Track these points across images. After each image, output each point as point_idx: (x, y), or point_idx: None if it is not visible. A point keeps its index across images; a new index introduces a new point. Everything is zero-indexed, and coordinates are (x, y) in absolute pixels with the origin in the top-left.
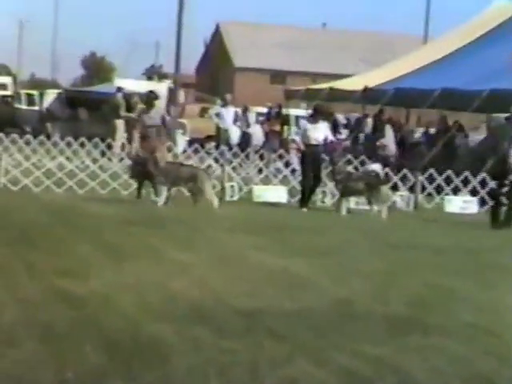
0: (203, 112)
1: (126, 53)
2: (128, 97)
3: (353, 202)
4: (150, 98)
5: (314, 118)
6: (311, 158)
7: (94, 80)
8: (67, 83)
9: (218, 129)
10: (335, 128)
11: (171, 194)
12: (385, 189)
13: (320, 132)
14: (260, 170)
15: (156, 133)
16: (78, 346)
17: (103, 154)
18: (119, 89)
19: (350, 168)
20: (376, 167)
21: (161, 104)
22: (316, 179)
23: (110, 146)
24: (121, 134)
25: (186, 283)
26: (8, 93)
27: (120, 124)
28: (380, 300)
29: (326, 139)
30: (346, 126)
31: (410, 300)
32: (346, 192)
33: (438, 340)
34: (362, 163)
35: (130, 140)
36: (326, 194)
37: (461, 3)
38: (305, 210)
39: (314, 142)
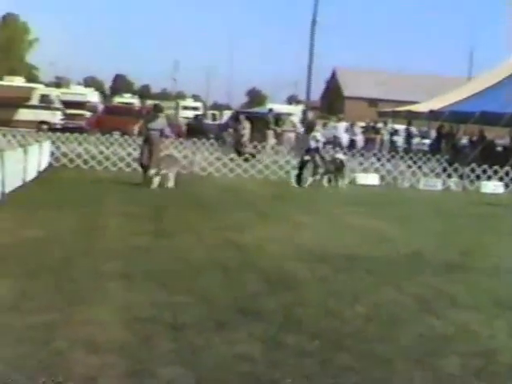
0: (324, 125)
1: (274, 86)
2: (275, 115)
3: (423, 181)
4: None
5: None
6: None
7: (253, 104)
8: (236, 106)
9: (334, 136)
10: (410, 136)
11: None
12: (345, 170)
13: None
14: (361, 163)
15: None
16: (242, 276)
17: (258, 152)
18: (270, 110)
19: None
20: (340, 156)
21: (296, 120)
22: None
23: (263, 147)
24: (270, 140)
25: (311, 237)
26: (199, 113)
27: (270, 133)
28: (439, 250)
29: None
30: (416, 135)
31: (460, 250)
32: (325, 171)
33: (474, 276)
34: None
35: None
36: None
37: (490, 53)
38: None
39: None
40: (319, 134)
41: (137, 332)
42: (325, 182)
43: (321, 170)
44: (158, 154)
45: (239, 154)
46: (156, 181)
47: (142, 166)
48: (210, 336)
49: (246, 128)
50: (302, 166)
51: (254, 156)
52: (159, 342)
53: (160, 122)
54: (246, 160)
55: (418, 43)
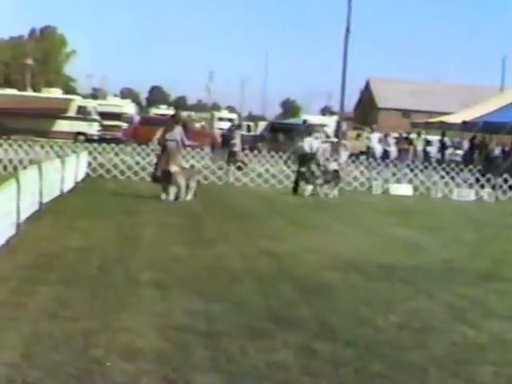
0: (358, 136)
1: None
2: (309, 126)
3: (456, 192)
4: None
5: None
6: None
7: (288, 115)
8: (271, 117)
9: (368, 147)
10: (444, 146)
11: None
12: (339, 180)
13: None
14: (394, 174)
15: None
16: (278, 284)
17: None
18: (304, 121)
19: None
20: (334, 166)
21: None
22: None
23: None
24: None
25: (345, 246)
26: (235, 124)
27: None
28: (472, 259)
29: None
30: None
31: (493, 259)
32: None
33: (507, 285)
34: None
35: None
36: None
37: None
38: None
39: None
40: (317, 141)
41: (172, 340)
42: (322, 191)
43: (319, 181)
44: (176, 164)
45: (231, 162)
46: (172, 192)
47: (154, 177)
48: (244, 344)
49: (236, 138)
50: (299, 177)
51: (245, 164)
52: (194, 349)
53: (177, 132)
54: (239, 168)
55: (452, 53)
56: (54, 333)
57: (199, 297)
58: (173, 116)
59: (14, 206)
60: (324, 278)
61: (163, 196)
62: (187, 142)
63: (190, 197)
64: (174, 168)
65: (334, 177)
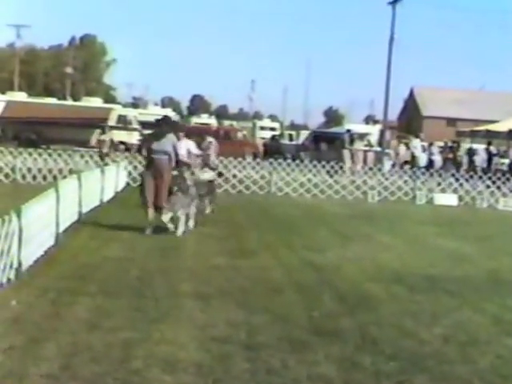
0: (406, 145)
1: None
2: (352, 135)
3: (502, 202)
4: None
5: None
6: None
7: (331, 124)
8: (314, 126)
9: (413, 156)
10: (490, 155)
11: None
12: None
13: None
14: (439, 183)
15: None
16: (320, 296)
17: (335, 172)
18: (348, 130)
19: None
20: (209, 176)
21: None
22: None
23: (341, 167)
24: (347, 160)
25: (388, 257)
26: (277, 133)
27: (346, 153)
28: None
29: None
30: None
31: None
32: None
33: None
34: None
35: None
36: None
37: None
38: None
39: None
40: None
41: (213, 351)
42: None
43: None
44: (167, 187)
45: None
46: (169, 225)
47: (144, 202)
48: (285, 356)
49: (212, 145)
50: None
51: (221, 174)
52: (235, 361)
53: (168, 142)
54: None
55: (497, 61)
56: (94, 344)
57: (240, 308)
58: (161, 120)
59: (53, 216)
60: (367, 290)
61: (148, 230)
62: (183, 158)
63: (185, 228)
64: (167, 206)
65: (209, 189)
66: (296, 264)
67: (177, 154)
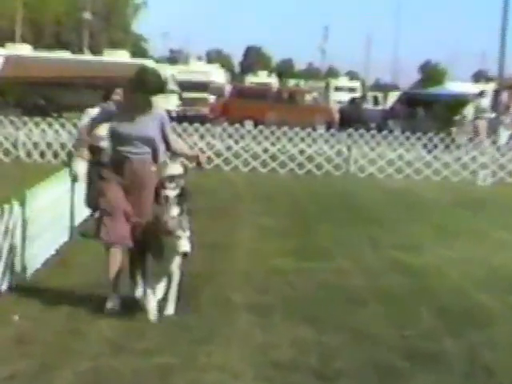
0: None
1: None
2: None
3: None
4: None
5: None
6: None
7: (428, 83)
8: (406, 86)
9: None
10: None
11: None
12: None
13: None
14: None
15: None
16: (414, 309)
17: (434, 146)
18: (481, 92)
19: None
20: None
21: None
22: None
23: (442, 140)
24: (483, 131)
25: (503, 258)
26: (356, 95)
27: (482, 124)
28: None
29: None
30: None
31: None
32: None
33: None
34: None
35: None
36: None
37: None
38: None
39: None
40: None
41: (275, 380)
42: None
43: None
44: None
45: None
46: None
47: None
48: None
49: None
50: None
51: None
52: None
53: (147, 122)
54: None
55: None
56: (121, 371)
57: (310, 324)
58: (137, 76)
59: (67, 204)
60: (476, 301)
61: (110, 304)
62: (178, 147)
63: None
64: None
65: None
66: (382, 267)
67: (168, 144)
